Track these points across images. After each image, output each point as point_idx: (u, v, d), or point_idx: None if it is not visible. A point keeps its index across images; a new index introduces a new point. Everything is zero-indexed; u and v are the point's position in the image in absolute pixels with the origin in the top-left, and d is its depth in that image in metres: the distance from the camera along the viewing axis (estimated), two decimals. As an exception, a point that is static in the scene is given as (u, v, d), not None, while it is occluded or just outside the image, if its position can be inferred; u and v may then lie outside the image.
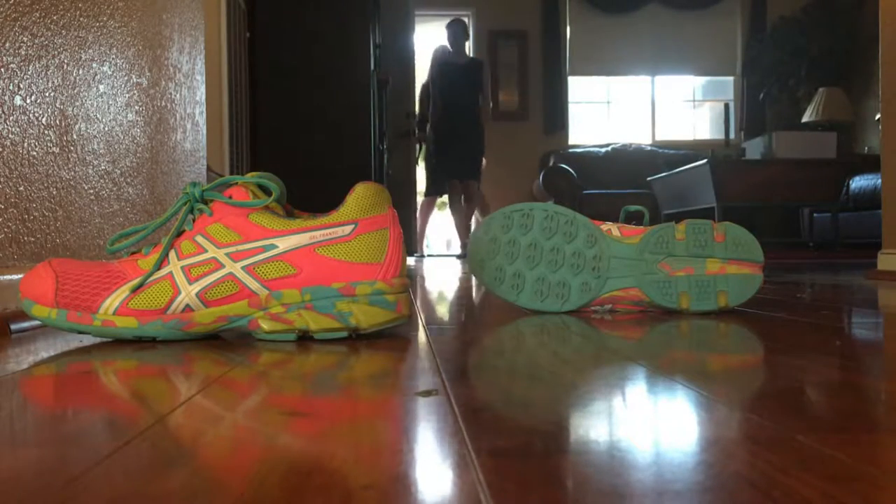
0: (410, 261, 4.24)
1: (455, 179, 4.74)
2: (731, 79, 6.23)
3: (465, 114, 4.67)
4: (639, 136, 6.21)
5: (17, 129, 0.85)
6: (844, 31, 5.61)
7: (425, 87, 4.89)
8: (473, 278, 1.01)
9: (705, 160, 4.15)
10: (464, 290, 1.49)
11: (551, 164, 5.66)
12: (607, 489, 0.26)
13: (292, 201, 2.14)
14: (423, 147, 5.02)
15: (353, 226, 0.67)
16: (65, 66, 0.96)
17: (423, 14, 5.90)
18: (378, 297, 0.67)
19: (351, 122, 3.13)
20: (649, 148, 5.91)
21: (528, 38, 6.06)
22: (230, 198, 0.67)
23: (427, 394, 0.43)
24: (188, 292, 0.66)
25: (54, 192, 0.93)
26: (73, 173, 0.98)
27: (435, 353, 0.59)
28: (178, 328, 0.66)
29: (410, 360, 0.57)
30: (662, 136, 6.28)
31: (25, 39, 0.86)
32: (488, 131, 4.86)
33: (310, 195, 2.72)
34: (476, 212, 4.90)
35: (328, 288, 0.66)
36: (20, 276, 0.80)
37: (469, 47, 5.21)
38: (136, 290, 0.66)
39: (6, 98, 0.83)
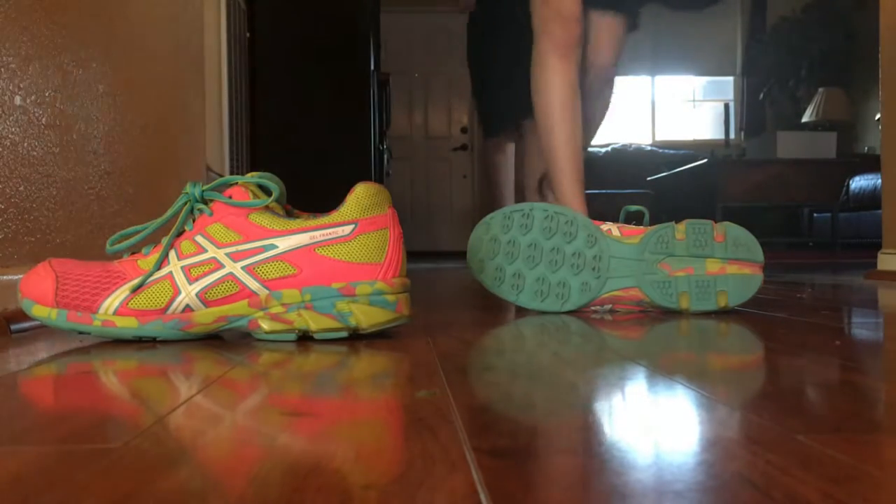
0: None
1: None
2: (731, 79, 6.23)
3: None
4: (639, 136, 6.20)
5: (17, 129, 0.85)
6: (844, 31, 5.60)
7: None
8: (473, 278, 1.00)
9: (705, 160, 4.15)
10: (464, 289, 1.49)
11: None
12: (607, 489, 0.26)
13: (292, 201, 2.14)
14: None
15: (353, 226, 0.67)
16: (65, 66, 0.96)
17: (421, 10, 5.89)
18: (378, 297, 0.67)
19: (351, 122, 3.13)
20: (649, 148, 5.91)
21: (528, 38, 6.05)
22: (230, 198, 0.67)
23: (427, 394, 0.43)
24: (188, 292, 0.66)
25: (54, 192, 0.93)
26: (73, 173, 0.98)
27: (435, 354, 0.59)
28: (178, 328, 0.66)
29: (410, 360, 0.57)
30: (662, 136, 6.27)
31: (25, 39, 0.86)
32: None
33: (310, 195, 2.71)
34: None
35: (328, 288, 0.66)
36: (20, 276, 0.80)
37: None
38: (136, 290, 0.66)
39: (6, 98, 0.83)
